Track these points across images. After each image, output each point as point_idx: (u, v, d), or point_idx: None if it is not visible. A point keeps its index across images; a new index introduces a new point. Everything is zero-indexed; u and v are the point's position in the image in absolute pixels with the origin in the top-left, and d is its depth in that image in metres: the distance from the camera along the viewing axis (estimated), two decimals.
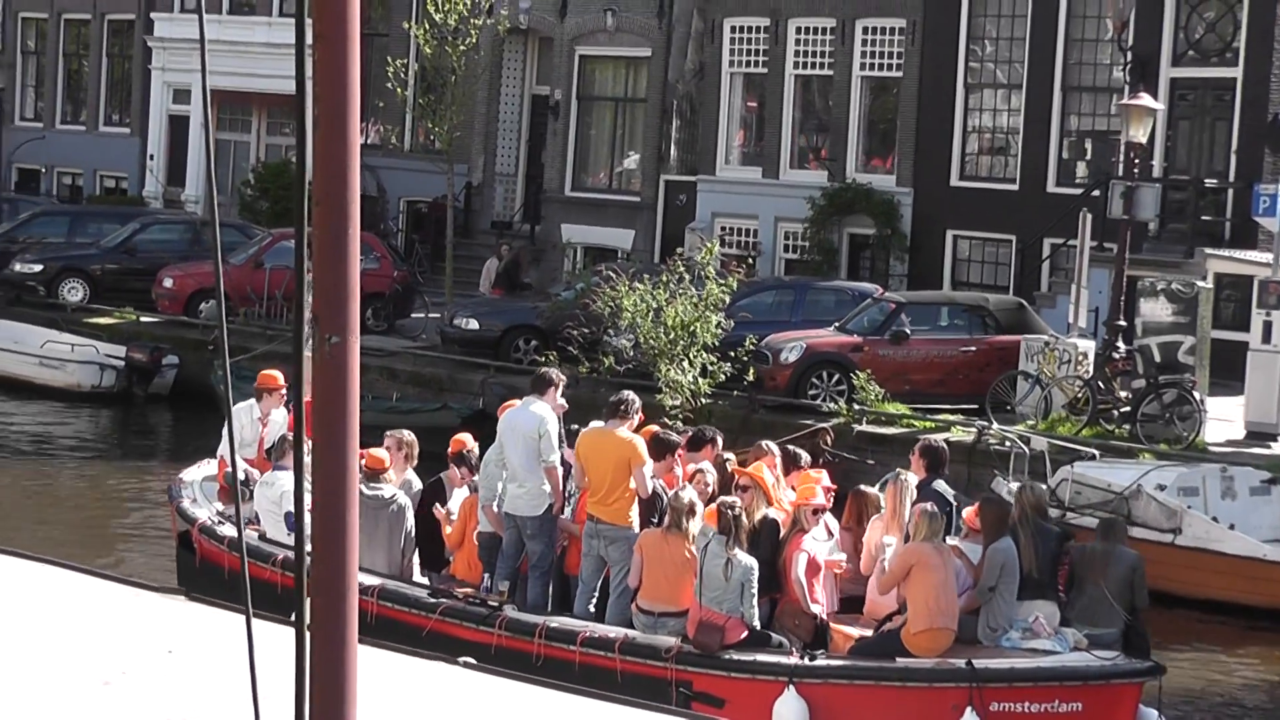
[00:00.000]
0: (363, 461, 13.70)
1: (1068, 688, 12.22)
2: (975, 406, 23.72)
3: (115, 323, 30.97)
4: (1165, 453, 21.58)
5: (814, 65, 32.25)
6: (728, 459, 13.94)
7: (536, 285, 32.83)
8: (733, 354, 23.72)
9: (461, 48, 30.16)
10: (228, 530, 14.73)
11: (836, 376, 24.46)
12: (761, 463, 13.46)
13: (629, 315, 24.43)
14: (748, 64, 33.09)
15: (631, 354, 24.62)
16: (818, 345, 24.85)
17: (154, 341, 29.64)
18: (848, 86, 31.69)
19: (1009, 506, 13.14)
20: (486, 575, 13.78)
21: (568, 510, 13.91)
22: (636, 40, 34.37)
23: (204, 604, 9.21)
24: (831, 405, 23.97)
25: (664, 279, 24.80)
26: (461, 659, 8.73)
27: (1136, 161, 24.51)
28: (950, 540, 12.88)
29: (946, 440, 22.87)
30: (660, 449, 13.80)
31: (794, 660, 12.25)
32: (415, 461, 14.63)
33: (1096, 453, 21.36)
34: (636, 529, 13.18)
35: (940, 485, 13.78)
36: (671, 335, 24.18)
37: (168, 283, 31.12)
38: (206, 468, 16.59)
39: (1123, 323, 23.95)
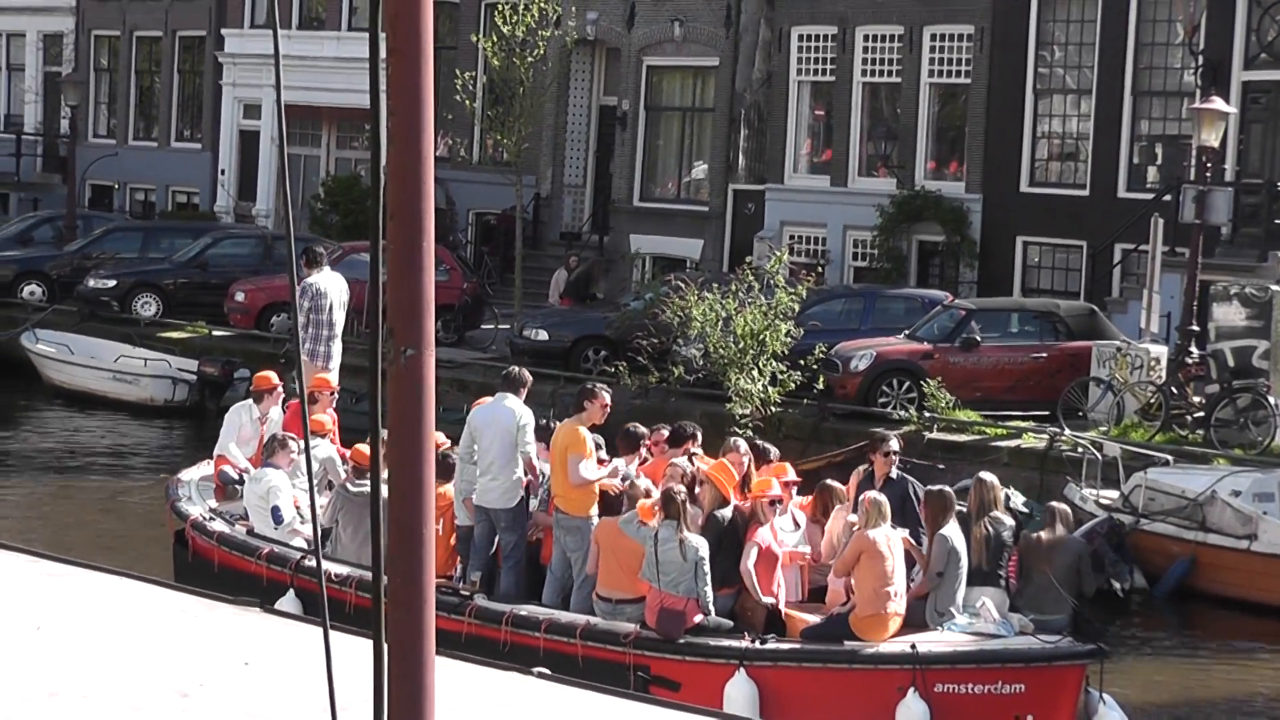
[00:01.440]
0: (348, 460, 14.95)
1: (1010, 669, 12.57)
2: (1047, 413, 23.59)
3: (188, 337, 31.20)
4: (1240, 458, 21.41)
5: (882, 73, 32.17)
6: (695, 453, 14.28)
7: (605, 296, 32.86)
8: (802, 362, 23.68)
9: (529, 60, 30.23)
10: (218, 526, 15.24)
11: (906, 384, 24.39)
12: (725, 459, 13.87)
13: (698, 324, 24.43)
14: (815, 72, 33.04)
15: (701, 363, 24.63)
16: (888, 353, 24.77)
17: (226, 355, 29.84)
18: (916, 94, 31.59)
19: (952, 498, 13.42)
20: (460, 566, 14.25)
21: (534, 503, 14.38)
22: (704, 50, 34.38)
23: (279, 616, 9.26)
24: (902, 413, 23.89)
25: (733, 288, 24.80)
26: (536, 669, 8.75)
27: (1208, 165, 24.33)
28: (901, 531, 13.26)
29: (1018, 447, 22.93)
30: (628, 442, 14.32)
31: (744, 644, 12.70)
32: None
33: (1170, 459, 21.23)
34: (596, 520, 13.63)
35: (903, 474, 14.32)
36: (741, 344, 24.17)
37: (239, 296, 31.33)
38: (204, 468, 16.99)
39: (1196, 328, 23.78)
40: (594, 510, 13.71)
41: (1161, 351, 23.90)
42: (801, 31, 32.97)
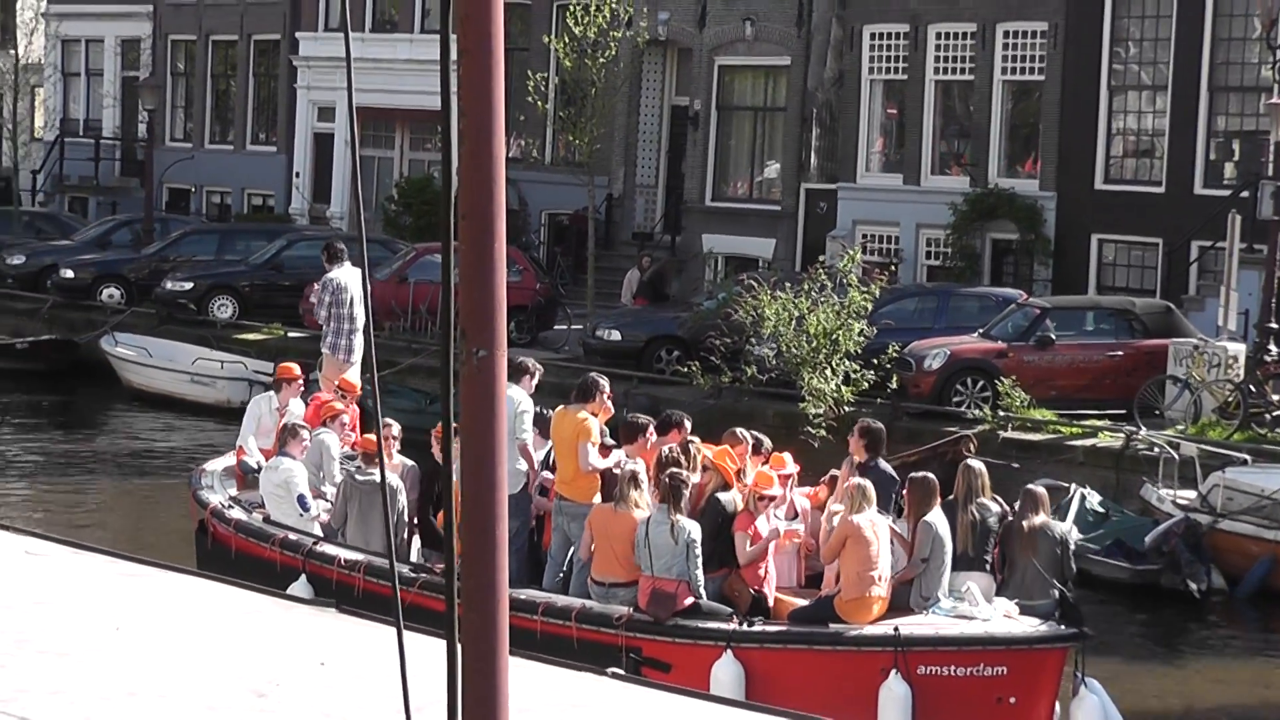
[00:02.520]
0: (358, 447, 15.36)
1: (991, 652, 12.83)
2: (1123, 412, 23.43)
3: (263, 338, 31.42)
4: None
5: (954, 70, 32.02)
6: (692, 441, 14.41)
7: (678, 295, 32.85)
8: (875, 361, 23.61)
9: (601, 60, 30.26)
10: (236, 514, 15.60)
11: (981, 383, 24.27)
12: (727, 447, 14.10)
13: (771, 324, 24.40)
14: (887, 70, 32.92)
15: (774, 363, 24.60)
16: (961, 352, 24.66)
17: (301, 356, 29.98)
18: (989, 91, 31.43)
19: (935, 484, 13.54)
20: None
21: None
22: (775, 49, 34.32)
23: (354, 616, 9.32)
24: (976, 412, 23.77)
25: (806, 287, 24.75)
26: (610, 670, 8.77)
27: None
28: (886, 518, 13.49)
29: (1094, 446, 22.78)
30: (630, 432, 14.42)
31: (731, 626, 12.98)
32: (399, 446, 15.44)
33: (1248, 458, 21.04)
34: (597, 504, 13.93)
35: (883, 464, 14.37)
36: (814, 343, 24.12)
37: (314, 298, 31.44)
38: (229, 459, 17.43)
39: (1274, 325, 23.55)
40: (596, 497, 14.03)
41: (1239, 349, 23.68)
42: (873, 30, 32.86)
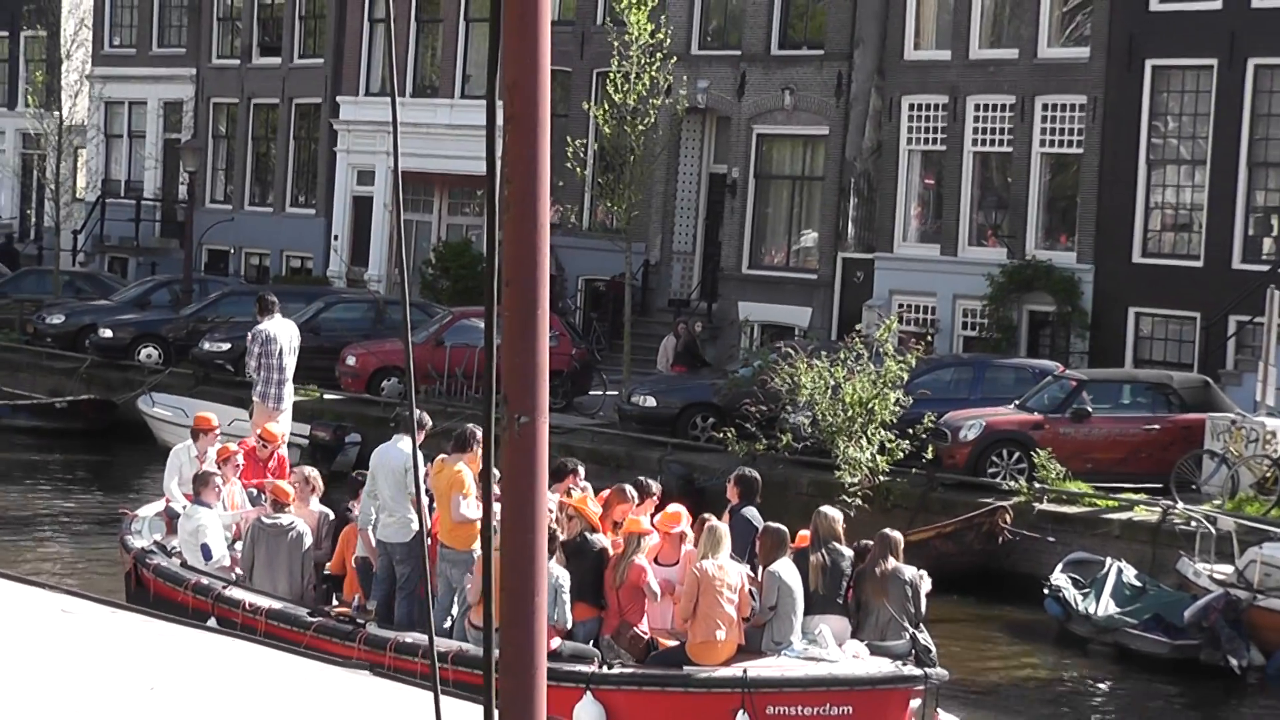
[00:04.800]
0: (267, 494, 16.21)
1: (835, 692, 13.53)
2: (1159, 486, 23.31)
3: (299, 400, 31.40)
4: None
5: (993, 142, 32.07)
6: (578, 487, 15.23)
7: (714, 363, 32.86)
8: (911, 431, 23.55)
9: (640, 127, 30.38)
10: (156, 559, 16.54)
11: (1016, 454, 24.19)
12: (603, 496, 14.90)
13: (807, 392, 24.38)
14: (926, 141, 32.99)
15: (809, 431, 24.56)
16: (997, 423, 24.59)
17: (337, 419, 30.06)
18: (1027, 163, 31.46)
19: (785, 535, 14.22)
20: (358, 595, 15.38)
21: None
22: (814, 119, 34.43)
23: (388, 680, 9.30)
24: (1011, 484, 23.68)
25: (842, 356, 24.73)
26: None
27: None
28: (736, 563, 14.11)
29: (1130, 520, 22.66)
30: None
31: (591, 669, 13.60)
32: (320, 493, 16.49)
33: None
34: (477, 553, 14.42)
35: (749, 512, 15.07)
36: (850, 412, 24.09)
37: (351, 360, 31.57)
38: (158, 505, 18.24)
39: None
40: (475, 545, 14.57)
41: (1277, 424, 23.56)
42: (912, 101, 32.94)
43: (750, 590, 13.92)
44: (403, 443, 15.18)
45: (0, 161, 51.31)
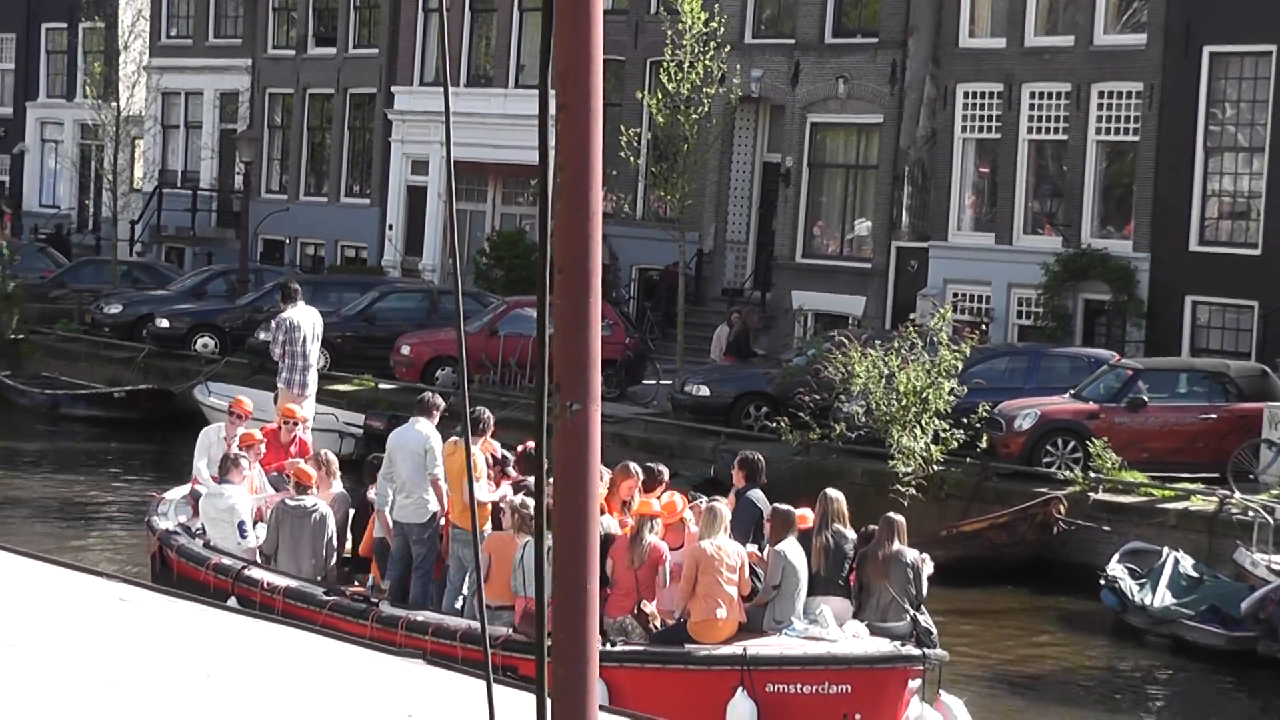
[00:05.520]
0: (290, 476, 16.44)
1: (834, 670, 13.72)
2: (1216, 475, 23.17)
3: (354, 390, 31.58)
4: None
5: (1048, 130, 31.90)
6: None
7: (767, 352, 32.82)
8: (965, 421, 23.48)
9: (694, 117, 30.37)
10: (180, 539, 16.91)
11: (1071, 444, 24.09)
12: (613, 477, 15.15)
13: (861, 381, 24.32)
14: (981, 129, 32.85)
15: (863, 420, 24.50)
16: (1052, 412, 24.49)
17: (391, 409, 30.13)
18: (1083, 151, 31.28)
19: (792, 516, 14.37)
20: (372, 575, 15.80)
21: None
22: (868, 107, 34.32)
23: (442, 669, 9.33)
24: (1066, 473, 23.58)
25: (896, 345, 24.67)
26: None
27: None
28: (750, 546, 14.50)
29: (1186, 509, 22.53)
30: (529, 465, 15.40)
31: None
32: (337, 476, 16.76)
33: None
34: (488, 532, 14.69)
35: (755, 494, 15.37)
36: (904, 402, 24.03)
37: (405, 350, 31.67)
38: (186, 488, 18.50)
39: None
40: (488, 526, 14.81)
41: None
42: (967, 89, 32.80)
43: (754, 570, 14.23)
44: (420, 424, 15.57)
45: (59, 152, 51.64)
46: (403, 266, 41.61)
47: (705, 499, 15.13)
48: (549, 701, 4.03)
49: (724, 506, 14.36)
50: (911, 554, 14.60)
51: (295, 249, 44.73)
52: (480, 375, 30.29)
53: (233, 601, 14.84)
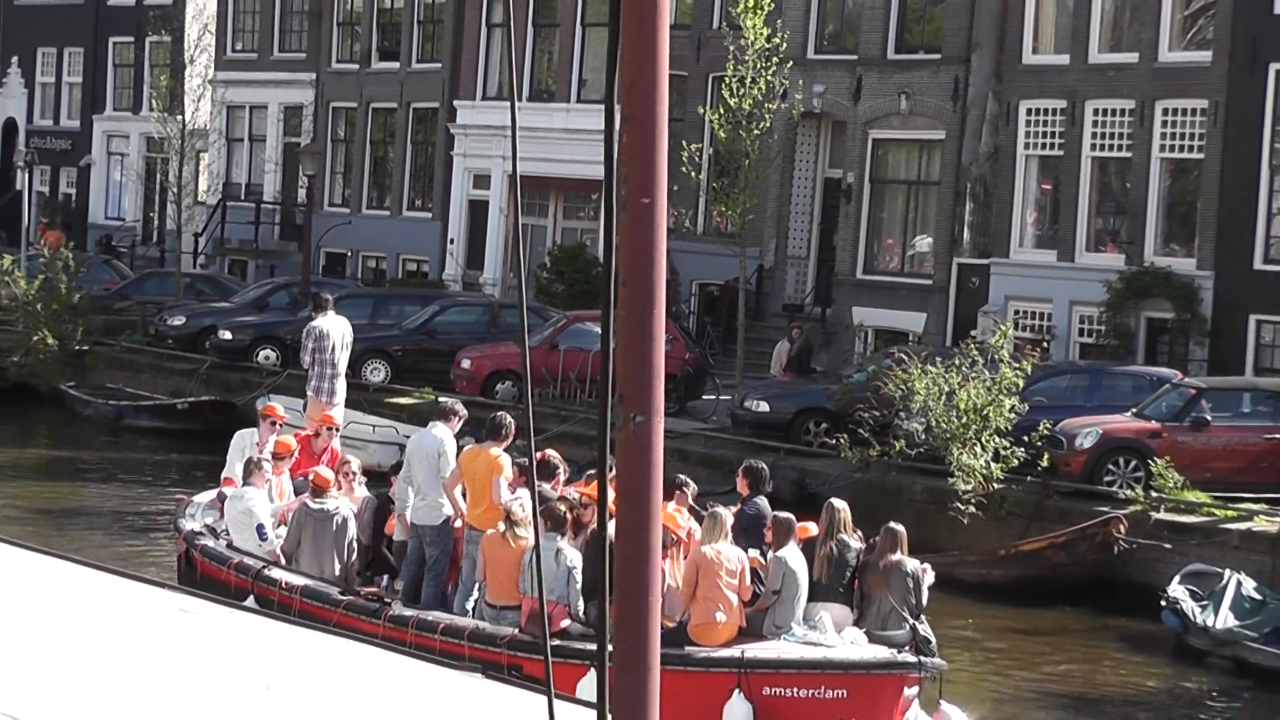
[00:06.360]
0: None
1: (830, 675, 14.00)
2: (1279, 496, 22.99)
3: (414, 403, 31.66)
4: None
5: (1112, 147, 31.73)
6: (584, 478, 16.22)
7: (827, 368, 32.75)
8: (1026, 439, 23.36)
9: (755, 132, 30.36)
10: (204, 540, 17.34)
11: (1133, 463, 23.94)
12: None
13: (921, 398, 24.24)
14: (1043, 146, 32.71)
15: (923, 437, 24.41)
16: (1114, 431, 24.34)
17: None
18: (1146, 168, 31.11)
19: (793, 523, 14.71)
20: (385, 576, 16.25)
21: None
22: (930, 123, 34.24)
23: (500, 682, 9.34)
24: (1128, 492, 23.43)
25: (956, 362, 24.57)
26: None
27: None
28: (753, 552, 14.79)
29: (1249, 530, 22.34)
30: (544, 472, 15.56)
31: (594, 647, 13.68)
32: (362, 481, 17.27)
33: None
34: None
35: (760, 501, 15.63)
36: (964, 419, 23.93)
37: (465, 364, 31.74)
38: (212, 492, 18.99)
39: None
40: (500, 527, 14.99)
41: None
42: (1030, 105, 32.68)
43: (756, 574, 14.51)
44: (436, 429, 16.11)
45: (124, 165, 52.05)
46: (463, 280, 41.72)
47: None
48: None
49: (725, 512, 14.66)
50: (912, 564, 14.83)
51: (357, 262, 44.91)
52: (540, 389, 30.33)
53: (251, 600, 15.27)
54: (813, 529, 15.07)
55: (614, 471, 4.18)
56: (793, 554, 14.48)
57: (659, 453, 4.02)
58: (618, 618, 4.05)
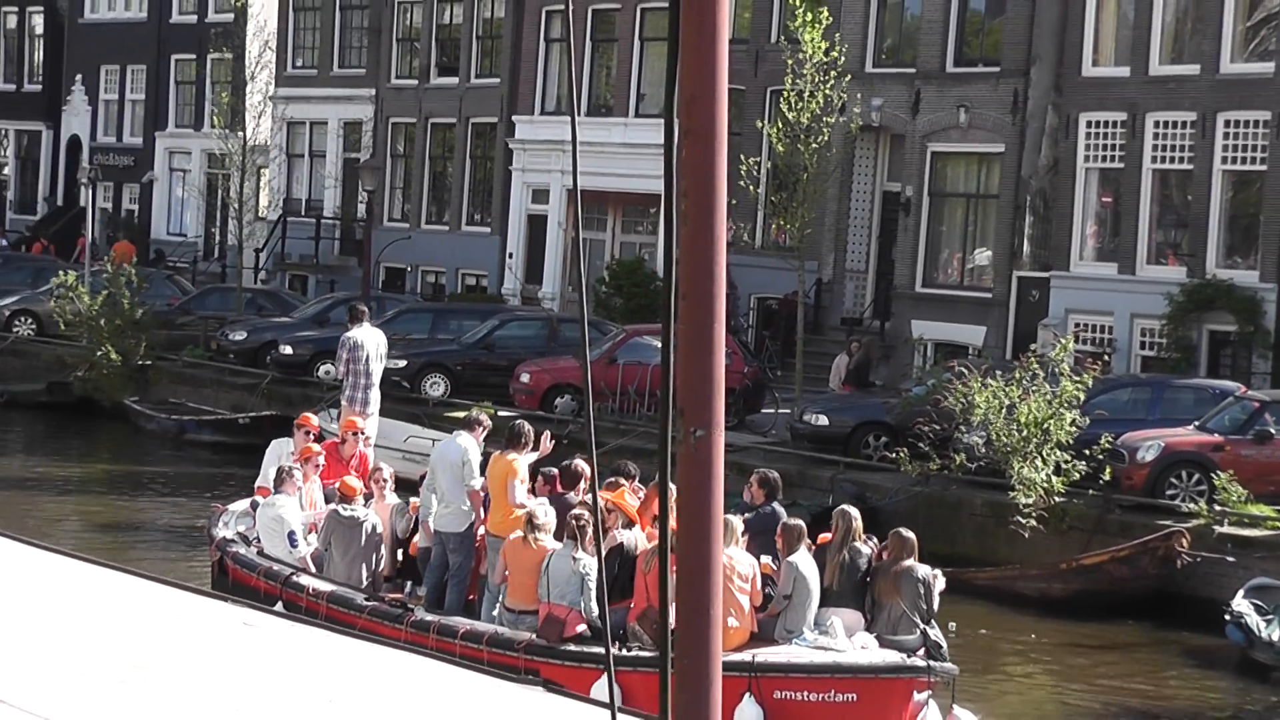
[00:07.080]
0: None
1: (840, 679, 14.10)
2: None
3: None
4: None
5: (1173, 160, 31.55)
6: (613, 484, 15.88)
7: (887, 381, 32.66)
8: (1087, 452, 23.23)
9: (814, 146, 30.32)
10: (236, 547, 17.58)
11: (1196, 476, 23.77)
12: (628, 488, 15.56)
13: (981, 412, 24.14)
14: (1104, 159, 32.55)
15: (983, 451, 24.31)
16: (1176, 444, 24.18)
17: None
18: (1208, 181, 30.90)
19: (803, 529, 14.88)
20: (410, 582, 16.56)
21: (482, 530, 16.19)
22: (989, 136, 34.12)
23: (561, 695, 9.36)
24: (1191, 506, 23.26)
25: (1017, 375, 24.46)
26: None
27: None
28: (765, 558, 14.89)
29: None
30: (568, 479, 15.87)
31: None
32: (392, 488, 17.44)
33: None
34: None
35: (774, 507, 15.74)
36: (1025, 432, 23.81)
37: (524, 378, 31.79)
38: (246, 501, 19.02)
39: None
40: (519, 531, 15.15)
41: None
42: (1090, 118, 32.53)
43: (768, 580, 14.64)
44: (460, 438, 16.35)
45: (186, 181, 52.41)
46: (522, 294, 41.81)
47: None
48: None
49: (736, 519, 14.69)
50: (923, 569, 14.91)
51: (416, 277, 45.07)
52: (599, 403, 30.36)
53: (279, 605, 15.53)
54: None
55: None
56: (804, 559, 14.65)
57: (719, 467, 4.03)
58: (680, 631, 4.05)
